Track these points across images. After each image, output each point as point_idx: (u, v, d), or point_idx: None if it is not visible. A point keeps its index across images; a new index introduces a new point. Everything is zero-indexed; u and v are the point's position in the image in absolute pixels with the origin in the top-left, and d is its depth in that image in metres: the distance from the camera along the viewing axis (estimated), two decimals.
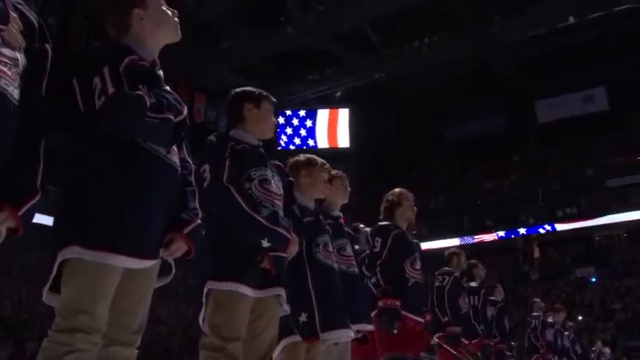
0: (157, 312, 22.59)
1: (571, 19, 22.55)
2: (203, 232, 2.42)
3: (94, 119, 2.12)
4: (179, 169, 2.36)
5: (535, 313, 9.30)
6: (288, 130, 28.63)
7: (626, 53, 25.64)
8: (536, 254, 28.34)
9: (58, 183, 2.25)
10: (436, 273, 6.37)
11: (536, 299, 10.06)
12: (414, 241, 4.83)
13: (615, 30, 23.90)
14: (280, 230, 2.87)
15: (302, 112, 28.75)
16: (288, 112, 28.65)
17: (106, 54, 2.21)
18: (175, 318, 22.13)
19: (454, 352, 5.72)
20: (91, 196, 2.13)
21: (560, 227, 26.55)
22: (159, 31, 2.37)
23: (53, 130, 2.18)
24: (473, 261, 7.44)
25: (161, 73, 2.37)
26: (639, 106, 27.01)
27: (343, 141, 28.71)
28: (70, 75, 2.22)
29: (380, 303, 4.41)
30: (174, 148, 2.34)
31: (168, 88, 2.32)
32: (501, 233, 27.34)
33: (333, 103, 28.80)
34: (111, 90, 2.07)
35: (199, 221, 2.36)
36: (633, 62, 25.83)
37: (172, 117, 2.20)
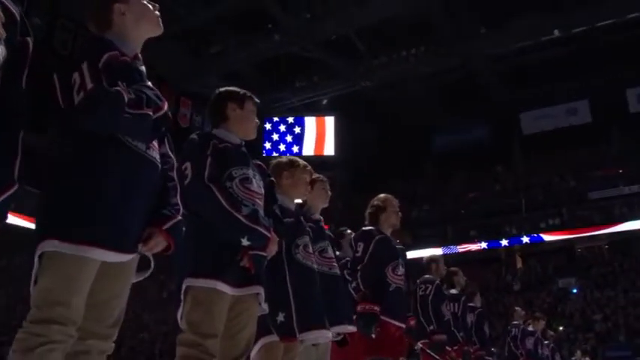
0: (141, 318, 22.49)
1: (556, 33, 22.80)
2: (183, 229, 2.42)
3: (73, 115, 2.13)
4: (159, 164, 2.37)
5: (515, 322, 9.34)
6: (274, 137, 28.65)
7: (608, 67, 25.99)
8: (519, 265, 28.49)
9: (39, 184, 2.24)
10: (418, 281, 6.39)
11: (517, 308, 10.10)
12: (399, 246, 4.84)
13: (599, 44, 24.22)
14: (260, 229, 2.88)
15: (290, 119, 28.79)
16: (276, 119, 28.68)
17: (85, 50, 2.22)
18: (158, 324, 22.02)
19: (437, 358, 5.73)
20: (70, 191, 2.14)
21: (542, 238, 26.72)
22: (140, 25, 2.38)
23: (34, 132, 2.18)
24: (453, 268, 7.49)
25: (143, 68, 2.38)
26: (621, 120, 27.35)
27: (328, 149, 28.78)
28: (51, 71, 2.23)
29: (359, 307, 4.41)
30: (155, 143, 2.35)
31: (149, 83, 2.33)
32: (484, 245, 27.46)
33: (319, 111, 28.86)
34: (89, 86, 2.08)
35: (180, 217, 2.38)
36: (615, 76, 26.21)
37: (151, 113, 2.21)
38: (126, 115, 2.11)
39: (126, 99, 2.12)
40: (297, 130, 28.76)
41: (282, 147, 28.50)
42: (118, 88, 2.12)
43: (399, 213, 4.88)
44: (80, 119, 2.12)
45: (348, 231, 5.38)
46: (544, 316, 10.40)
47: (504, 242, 27.37)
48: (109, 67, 2.16)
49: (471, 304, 7.71)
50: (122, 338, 19.88)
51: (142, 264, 2.39)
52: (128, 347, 20.88)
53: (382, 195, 4.98)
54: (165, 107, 2.30)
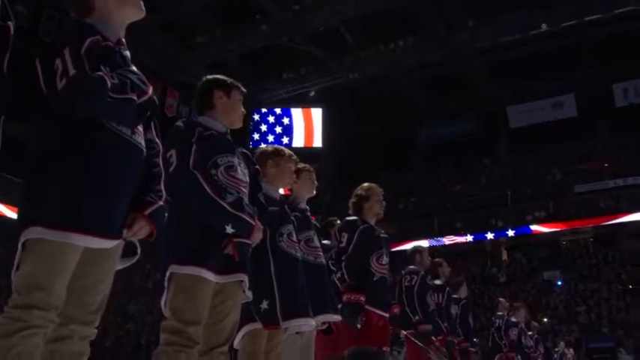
0: (126, 309, 22.42)
1: (543, 27, 22.88)
2: (166, 214, 2.42)
3: (56, 101, 2.11)
4: (144, 149, 2.36)
5: (499, 313, 9.42)
6: (263, 127, 28.60)
7: (595, 62, 26.18)
8: (505, 257, 28.67)
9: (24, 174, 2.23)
10: (403, 272, 6.42)
11: (501, 299, 10.16)
12: (383, 235, 4.84)
13: (585, 39, 24.36)
14: (244, 217, 2.88)
15: (278, 111, 28.74)
16: (264, 110, 28.61)
17: (67, 35, 2.20)
18: (144, 314, 21.97)
19: (421, 345, 5.78)
20: (53, 177, 2.13)
21: (528, 231, 26.89)
22: (123, 8, 2.36)
23: (19, 121, 2.17)
24: (437, 259, 7.53)
25: (127, 53, 2.37)
26: (607, 114, 27.56)
27: (316, 140, 28.77)
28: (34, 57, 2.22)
29: (344, 297, 4.43)
30: (140, 128, 2.34)
31: (134, 68, 2.32)
32: (469, 238, 27.59)
33: (306, 103, 28.83)
34: (72, 72, 2.06)
35: (162, 203, 2.37)
36: (601, 71, 26.40)
37: (135, 97, 2.20)
38: (109, 99, 2.10)
39: (109, 84, 2.11)
40: (285, 121, 28.72)
41: (270, 138, 28.44)
42: (100, 73, 2.11)
43: (383, 202, 4.88)
44: (63, 105, 2.11)
45: (338, 221, 5.38)
46: (524, 305, 10.48)
47: (490, 235, 27.52)
48: (92, 52, 2.14)
49: (455, 296, 7.76)
50: (108, 329, 19.84)
51: (128, 250, 2.39)
52: (114, 338, 20.83)
53: (365, 184, 4.96)
54: (150, 92, 2.29)
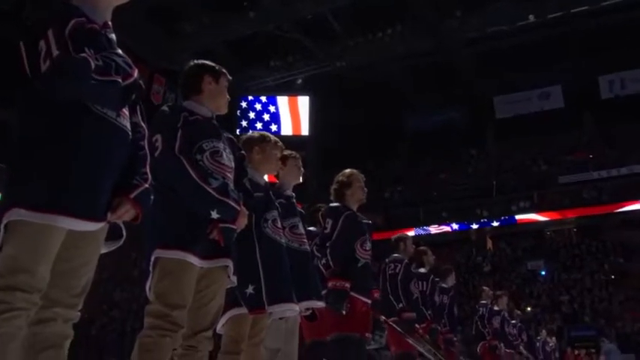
0: (112, 296, 22.36)
1: (531, 18, 22.94)
2: (152, 198, 2.42)
3: (39, 83, 2.11)
4: (130, 132, 2.36)
5: (483, 301, 9.50)
6: (251, 115, 28.50)
7: (581, 54, 26.31)
8: (489, 246, 28.88)
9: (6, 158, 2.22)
10: (387, 260, 6.43)
11: (485, 287, 10.25)
12: (365, 221, 4.86)
13: (572, 31, 24.47)
14: (230, 202, 2.89)
15: (263, 98, 28.64)
16: (251, 98, 28.50)
17: (52, 17, 2.18)
18: (129, 302, 21.92)
19: (403, 333, 5.82)
20: (36, 160, 2.12)
21: (513, 221, 27.08)
22: None
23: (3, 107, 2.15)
24: (422, 248, 7.56)
25: (113, 36, 2.35)
26: (592, 106, 27.74)
27: (303, 128, 28.72)
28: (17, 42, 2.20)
29: (330, 284, 4.44)
30: (126, 111, 2.34)
31: (120, 51, 2.31)
32: (455, 226, 27.75)
33: (293, 91, 28.74)
34: (55, 53, 2.06)
35: (147, 186, 2.37)
36: (588, 63, 26.55)
37: (120, 79, 2.19)
38: (92, 81, 2.10)
39: (92, 65, 2.10)
40: (272, 108, 28.64)
41: (259, 125, 28.33)
42: (84, 54, 2.10)
43: (365, 188, 4.88)
44: (46, 87, 2.10)
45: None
46: (506, 293, 10.57)
47: (475, 224, 27.70)
48: (76, 33, 2.13)
49: (444, 285, 7.79)
50: (93, 316, 19.79)
51: (114, 233, 2.38)
52: (99, 325, 20.78)
53: (347, 170, 4.94)
54: (136, 74, 2.28)
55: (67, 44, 2.08)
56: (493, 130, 30.95)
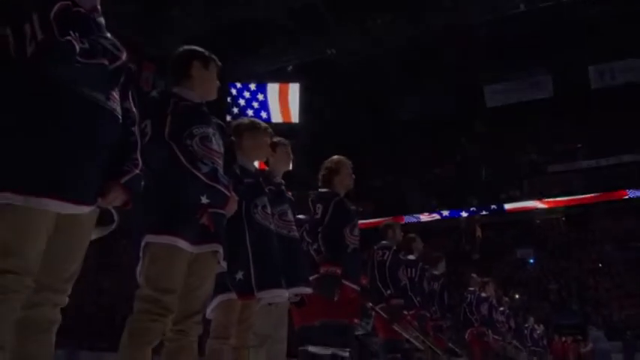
0: (101, 284, 22.37)
1: (522, 7, 22.94)
2: (142, 183, 2.43)
3: (25, 66, 2.10)
4: (120, 116, 2.36)
5: (471, 288, 9.54)
6: (241, 102, 28.40)
7: (572, 43, 26.35)
8: (478, 234, 29.03)
9: None
10: (375, 247, 6.44)
11: (473, 274, 10.29)
12: (353, 207, 4.88)
13: (563, 20, 24.50)
14: (219, 187, 2.90)
15: (252, 86, 28.53)
16: (239, 85, 28.40)
17: (37, 0, 2.16)
18: (118, 289, 21.94)
19: (390, 320, 5.86)
20: (23, 143, 2.12)
21: (502, 209, 27.22)
22: None
23: None
24: (411, 235, 7.57)
25: (102, 20, 2.35)
26: (582, 96, 27.83)
27: (294, 116, 28.65)
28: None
29: (321, 269, 4.45)
30: (116, 95, 2.33)
31: (108, 35, 2.31)
32: (445, 213, 27.87)
33: (284, 78, 28.65)
34: (40, 36, 2.05)
35: (138, 171, 2.37)
36: (578, 53, 26.60)
37: (107, 62, 2.20)
38: (77, 64, 2.10)
39: (77, 48, 2.10)
40: (260, 97, 28.55)
41: (250, 112, 28.24)
42: (69, 37, 2.10)
43: (353, 175, 4.89)
44: (32, 70, 2.10)
45: None
46: (492, 280, 10.62)
47: (465, 212, 27.83)
48: (61, 17, 2.12)
49: (434, 272, 7.81)
50: (82, 304, 19.79)
51: (105, 219, 2.39)
52: (88, 311, 20.82)
53: (335, 157, 4.95)
54: (124, 57, 2.28)
55: (52, 28, 2.08)
56: (483, 118, 31.02)
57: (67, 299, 2.30)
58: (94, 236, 2.40)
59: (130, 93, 2.47)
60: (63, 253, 2.24)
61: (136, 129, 2.48)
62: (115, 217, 2.41)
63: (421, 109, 31.08)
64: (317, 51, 25.95)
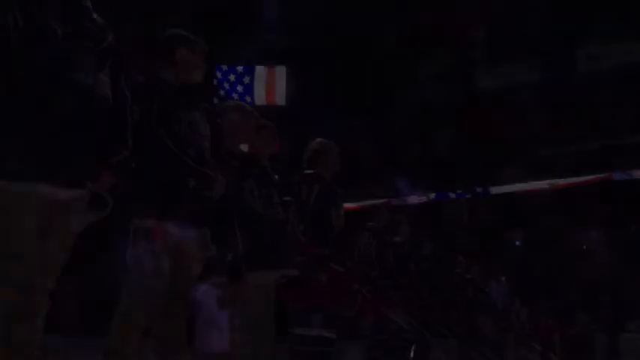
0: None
1: None
2: (131, 167, 2.43)
3: (9, 55, 2.08)
4: (108, 99, 2.34)
5: (457, 270, 9.59)
6: (225, 85, 28.25)
7: (561, 27, 26.35)
8: (465, 217, 29.05)
9: None
10: (362, 229, 6.49)
11: (460, 256, 10.33)
12: (338, 190, 4.86)
13: (552, 3, 24.48)
14: (206, 171, 2.93)
15: (239, 69, 28.36)
16: (225, 68, 28.22)
17: None
18: (108, 274, 21.93)
19: (376, 301, 5.91)
20: (5, 127, 2.09)
21: (491, 192, 27.27)
22: None
23: None
24: (398, 216, 7.56)
25: (89, 4, 2.33)
26: (571, 79, 27.87)
27: (280, 99, 28.52)
28: None
29: (308, 251, 4.46)
30: (105, 78, 2.33)
31: (95, 16, 2.30)
32: (432, 195, 27.89)
33: (270, 60, 28.45)
34: (21, 23, 2.05)
35: (127, 154, 2.39)
36: (567, 37, 26.60)
37: (92, 44, 2.20)
38: (60, 48, 2.10)
39: (59, 33, 2.10)
40: (246, 80, 28.36)
41: (235, 97, 28.09)
42: (50, 22, 2.10)
43: (339, 158, 4.84)
44: (16, 57, 2.08)
45: None
46: (477, 262, 10.66)
47: (452, 194, 27.86)
48: (42, 3, 2.13)
49: (424, 253, 7.84)
50: (70, 287, 19.75)
51: (98, 203, 2.36)
52: (76, 296, 20.78)
53: (320, 139, 4.90)
54: (110, 39, 2.28)
55: (34, 14, 2.08)
56: (472, 102, 30.98)
57: (54, 285, 2.27)
58: (88, 219, 2.37)
59: (121, 75, 2.45)
60: (51, 238, 2.22)
61: (126, 111, 2.47)
62: (109, 201, 2.38)
63: (411, 93, 30.97)
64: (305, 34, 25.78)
